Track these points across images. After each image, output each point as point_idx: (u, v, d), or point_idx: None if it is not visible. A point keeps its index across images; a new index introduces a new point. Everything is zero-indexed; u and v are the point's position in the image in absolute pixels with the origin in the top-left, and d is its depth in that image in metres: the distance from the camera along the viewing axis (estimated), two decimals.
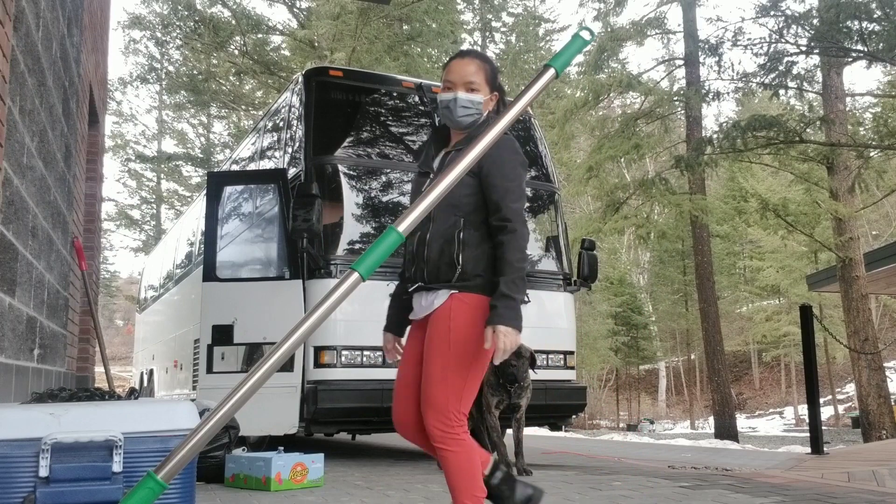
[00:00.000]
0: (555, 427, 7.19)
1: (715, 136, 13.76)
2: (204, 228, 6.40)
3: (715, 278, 19.57)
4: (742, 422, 26.93)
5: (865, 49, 11.53)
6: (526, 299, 6.73)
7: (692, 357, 38.25)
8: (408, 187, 5.73)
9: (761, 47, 12.95)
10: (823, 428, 7.40)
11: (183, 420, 2.23)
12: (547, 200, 6.94)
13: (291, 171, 6.09)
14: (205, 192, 6.76)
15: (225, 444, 4.35)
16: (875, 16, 11.01)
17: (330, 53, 16.70)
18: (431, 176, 2.36)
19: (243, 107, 24.08)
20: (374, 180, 6.10)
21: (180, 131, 32.27)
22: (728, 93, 15.29)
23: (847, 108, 16.18)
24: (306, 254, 5.47)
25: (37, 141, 3.51)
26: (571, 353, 6.47)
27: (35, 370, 3.71)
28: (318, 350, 5.47)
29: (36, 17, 3.40)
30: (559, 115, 18.44)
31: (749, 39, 13.19)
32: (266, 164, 7.05)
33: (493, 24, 27.02)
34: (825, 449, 7.05)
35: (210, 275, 5.87)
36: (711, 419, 21.27)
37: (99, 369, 7.40)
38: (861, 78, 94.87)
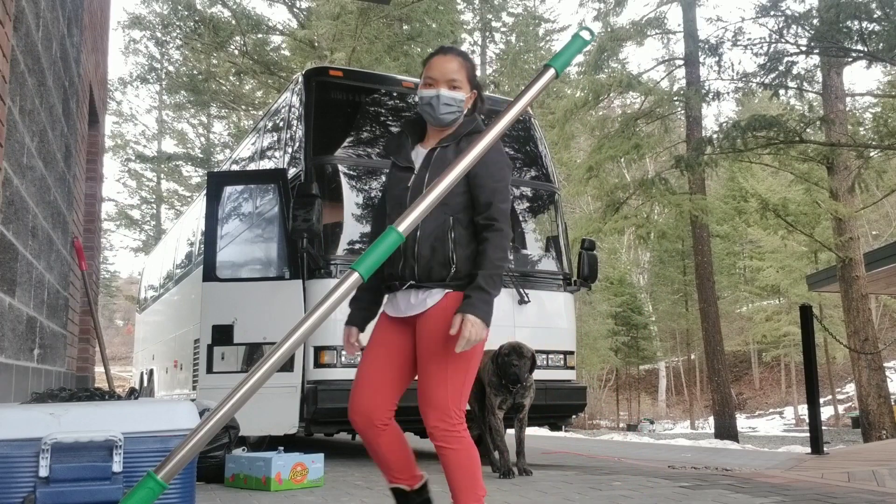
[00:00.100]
0: (555, 427, 7.19)
1: (715, 136, 13.75)
2: (204, 228, 6.40)
3: (715, 278, 19.57)
4: (742, 422, 26.93)
5: (865, 49, 11.53)
6: (526, 299, 6.70)
7: (692, 357, 38.25)
8: None
9: (761, 47, 12.95)
10: (823, 428, 7.40)
11: (183, 420, 2.23)
12: (547, 200, 6.94)
13: (291, 171, 6.09)
14: (205, 192, 6.76)
15: (225, 444, 4.35)
16: (875, 16, 11.01)
17: (330, 53, 16.70)
18: (415, 171, 2.34)
19: (243, 107, 24.09)
20: (374, 180, 6.10)
21: (180, 131, 32.28)
22: (728, 93, 15.31)
23: (847, 108, 16.17)
24: (306, 254, 5.47)
25: (37, 141, 3.51)
26: (571, 353, 6.47)
27: (35, 370, 3.71)
28: (318, 350, 5.47)
29: (36, 17, 3.40)
30: (559, 115, 18.44)
31: (749, 39, 13.20)
32: (266, 164, 7.05)
33: (493, 24, 27.03)
34: (825, 449, 7.05)
35: (210, 275, 5.87)
36: (711, 419, 21.27)
37: (99, 369, 7.40)
38: (861, 78, 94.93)
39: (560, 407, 6.35)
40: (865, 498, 3.59)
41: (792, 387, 33.77)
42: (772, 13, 12.87)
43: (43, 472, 2.02)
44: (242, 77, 22.59)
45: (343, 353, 5.46)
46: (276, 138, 7.00)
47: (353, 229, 5.88)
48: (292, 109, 6.43)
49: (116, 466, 2.08)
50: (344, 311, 2.34)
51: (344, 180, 5.94)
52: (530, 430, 5.67)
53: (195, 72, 24.03)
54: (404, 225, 1.87)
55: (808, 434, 7.28)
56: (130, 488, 1.77)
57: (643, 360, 39.01)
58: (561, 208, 7.05)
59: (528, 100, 1.93)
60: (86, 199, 6.14)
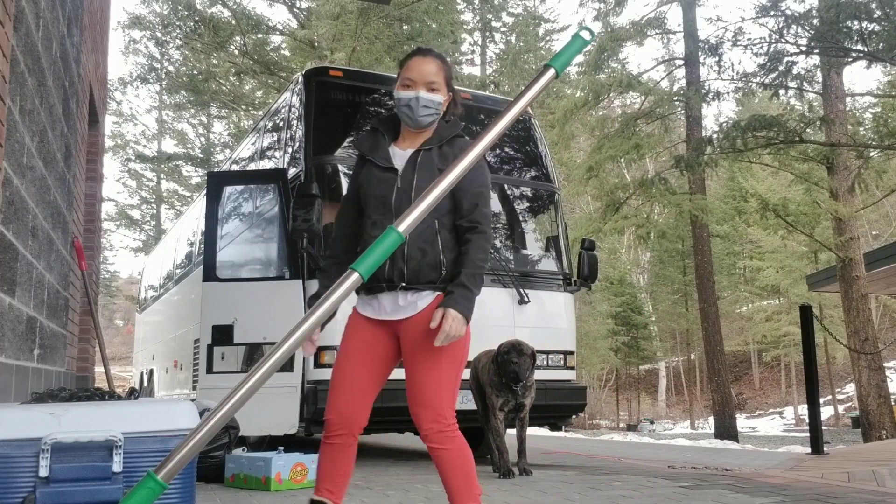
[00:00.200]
0: (555, 427, 7.19)
1: (715, 136, 13.75)
2: (204, 228, 6.40)
3: (715, 278, 19.57)
4: (742, 422, 26.93)
5: (865, 49, 11.53)
6: (526, 299, 6.70)
7: (692, 357, 38.25)
8: None
9: (761, 47, 12.95)
10: (823, 428, 7.40)
11: (183, 420, 2.23)
12: (547, 200, 6.94)
13: (291, 171, 6.09)
14: (205, 192, 6.76)
15: (225, 444, 4.35)
16: (875, 16, 11.01)
17: (330, 53, 16.69)
18: (400, 173, 2.32)
19: (243, 107, 24.08)
20: None
21: (180, 131, 32.28)
22: (728, 93, 15.30)
23: (847, 108, 16.17)
24: (306, 254, 5.47)
25: (37, 141, 3.51)
26: (571, 353, 6.47)
27: (35, 370, 3.71)
28: (319, 350, 5.47)
29: (36, 17, 3.40)
30: (559, 115, 18.43)
31: (749, 39, 13.19)
32: (266, 164, 7.05)
33: (493, 24, 27.02)
34: (825, 449, 7.05)
35: (210, 275, 5.87)
36: (711, 419, 21.27)
37: (99, 369, 7.40)
38: (861, 78, 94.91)
39: (560, 407, 6.35)
40: (865, 498, 3.59)
41: (792, 387, 33.78)
42: (772, 13, 12.87)
43: (43, 472, 2.02)
44: (242, 77, 22.59)
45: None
46: (276, 138, 7.00)
47: None
48: (292, 109, 6.43)
49: (116, 466, 2.08)
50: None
51: (344, 180, 5.93)
52: (530, 430, 5.66)
53: (195, 72, 24.03)
54: (404, 225, 1.87)
55: (808, 434, 7.28)
56: (130, 488, 1.77)
57: (643, 360, 39.01)
58: (561, 208, 7.05)
59: (528, 100, 1.92)
60: (86, 199, 6.15)
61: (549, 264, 6.68)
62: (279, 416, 5.37)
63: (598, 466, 5.98)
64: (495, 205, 6.62)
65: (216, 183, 6.42)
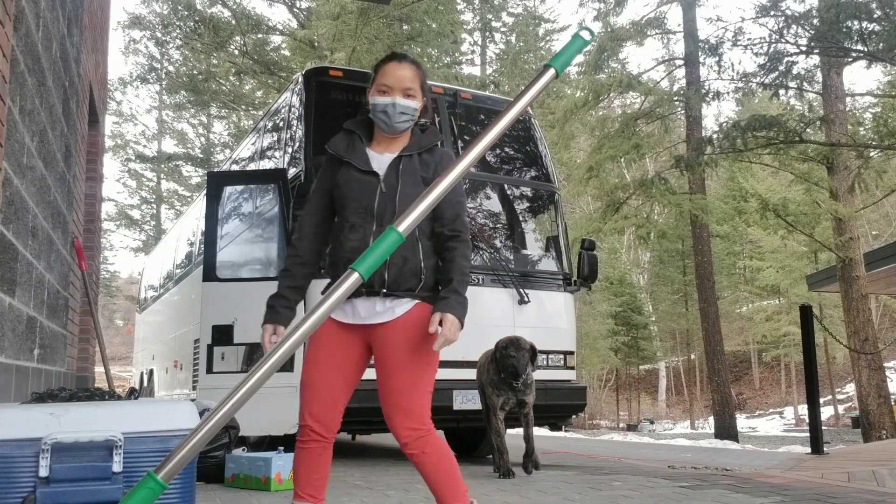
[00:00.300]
0: (555, 427, 7.19)
1: (715, 136, 13.75)
2: (204, 228, 6.39)
3: (715, 278, 19.57)
4: (742, 422, 26.93)
5: (865, 49, 11.53)
6: (526, 299, 6.70)
7: (692, 357, 38.26)
8: None
9: (761, 47, 12.95)
10: (823, 428, 7.40)
11: (183, 420, 2.23)
12: (547, 200, 6.94)
13: (291, 171, 6.09)
14: (205, 192, 6.75)
15: (225, 444, 4.35)
16: (875, 16, 11.01)
17: (330, 53, 16.69)
18: (382, 178, 2.30)
19: (243, 107, 24.07)
20: None
21: (180, 131, 32.28)
22: (728, 93, 15.31)
23: (847, 108, 16.17)
24: None
25: (37, 141, 3.51)
26: (571, 353, 6.46)
27: (35, 370, 3.71)
28: None
29: (36, 17, 3.40)
30: (559, 115, 18.43)
31: (749, 39, 13.20)
32: (266, 164, 7.05)
33: (493, 24, 27.01)
34: (825, 449, 7.05)
35: (210, 275, 5.87)
36: (711, 419, 21.27)
37: (99, 369, 7.40)
38: (861, 78, 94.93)
39: (560, 407, 6.35)
40: (865, 498, 3.59)
41: (792, 387, 33.78)
42: (772, 13, 12.87)
43: (43, 472, 2.02)
44: (242, 77, 22.58)
45: None
46: (276, 138, 7.00)
47: None
48: (292, 109, 6.43)
49: (116, 466, 2.08)
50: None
51: None
52: None
53: (195, 72, 24.02)
54: (404, 225, 1.87)
55: (808, 434, 7.28)
56: (130, 488, 1.77)
57: (643, 360, 39.01)
58: (561, 208, 7.05)
59: (528, 100, 1.92)
60: (86, 199, 6.15)
61: (549, 264, 6.68)
62: (279, 416, 5.37)
63: (598, 466, 5.98)
64: (496, 205, 6.63)
65: (216, 183, 6.42)
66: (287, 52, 21.56)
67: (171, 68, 26.34)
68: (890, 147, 13.23)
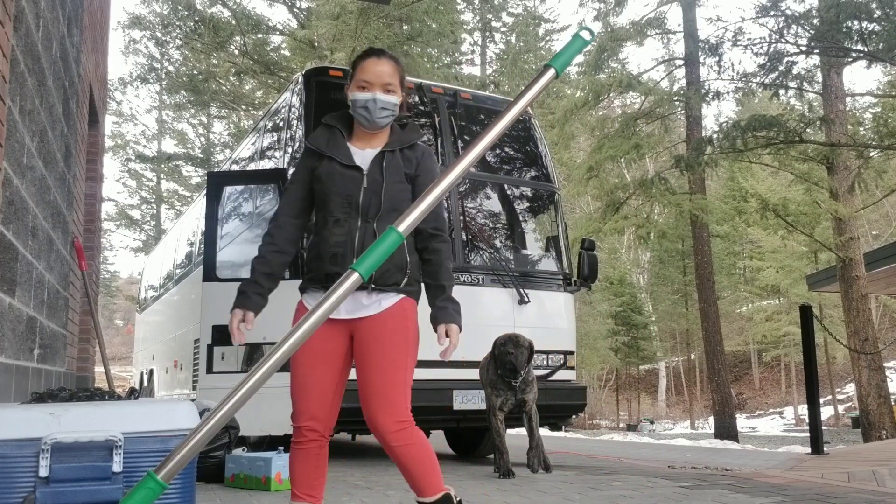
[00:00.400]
0: (555, 427, 7.19)
1: (715, 136, 13.75)
2: (204, 228, 6.39)
3: (715, 278, 19.57)
4: (742, 422, 26.93)
5: (865, 49, 11.53)
6: (526, 299, 6.69)
7: (692, 357, 38.26)
8: None
9: (761, 47, 12.95)
10: (823, 428, 7.40)
11: (183, 420, 2.23)
12: (547, 200, 6.94)
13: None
14: (205, 192, 6.75)
15: (225, 444, 4.35)
16: (875, 16, 11.01)
17: (330, 53, 16.68)
18: (366, 173, 2.31)
19: (243, 107, 24.07)
20: None
21: (180, 131, 32.29)
22: (728, 93, 15.30)
23: (847, 108, 16.18)
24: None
25: (37, 141, 3.51)
26: (571, 353, 6.46)
27: (35, 370, 3.71)
28: None
29: (36, 17, 3.40)
30: (559, 115, 18.44)
31: (749, 39, 13.20)
32: (266, 164, 7.05)
33: (493, 24, 27.01)
34: (825, 449, 7.05)
35: (210, 275, 5.87)
36: (711, 419, 21.27)
37: (99, 369, 7.40)
38: (861, 78, 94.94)
39: (560, 407, 6.34)
40: (865, 498, 3.59)
41: (792, 387, 33.78)
42: (772, 13, 12.87)
43: (43, 472, 2.02)
44: (242, 77, 22.57)
45: None
46: (276, 138, 7.00)
47: None
48: (292, 109, 6.42)
49: (116, 466, 2.08)
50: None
51: None
52: None
53: (195, 72, 24.02)
54: (404, 225, 1.87)
55: (808, 434, 7.28)
56: (130, 488, 1.77)
57: (643, 360, 39.01)
58: (561, 208, 7.05)
59: (528, 100, 1.92)
60: (86, 199, 6.15)
61: (549, 264, 6.67)
62: (279, 416, 5.35)
63: (598, 466, 5.98)
64: (496, 205, 6.63)
65: (216, 183, 6.42)
66: (287, 52, 21.56)
67: (171, 68, 26.35)
68: (890, 147, 13.23)
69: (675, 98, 18.40)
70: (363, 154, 2.36)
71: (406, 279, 2.29)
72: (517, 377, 4.80)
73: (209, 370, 5.63)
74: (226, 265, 6.36)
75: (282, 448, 4.22)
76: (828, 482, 4.31)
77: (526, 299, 6.07)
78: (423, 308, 2.37)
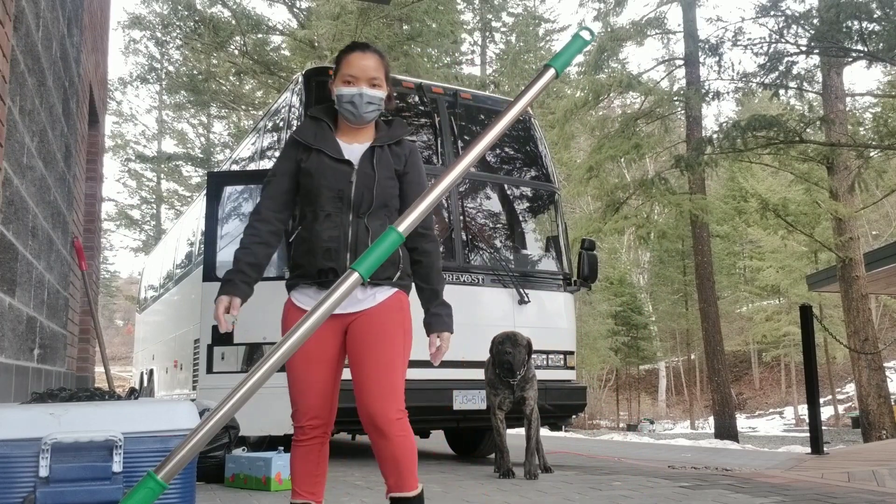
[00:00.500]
0: (555, 427, 7.19)
1: (715, 136, 13.75)
2: (204, 228, 6.39)
3: (715, 278, 19.57)
4: (742, 422, 26.93)
5: (865, 49, 11.53)
6: (526, 299, 6.68)
7: (692, 357, 38.25)
8: None
9: (761, 47, 12.95)
10: (823, 428, 7.40)
11: (183, 420, 2.23)
12: (547, 200, 6.94)
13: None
14: (205, 192, 6.75)
15: (225, 444, 4.35)
16: (875, 16, 11.01)
17: (330, 53, 16.67)
18: (356, 167, 2.30)
19: (243, 107, 24.07)
20: None
21: (180, 131, 32.30)
22: (728, 93, 15.30)
23: (847, 108, 16.18)
24: None
25: (37, 141, 3.51)
26: (571, 353, 6.46)
27: (35, 370, 3.71)
28: None
29: (36, 17, 3.40)
30: (559, 115, 18.43)
31: (749, 39, 13.19)
32: (266, 164, 7.04)
33: (493, 24, 27.01)
34: (825, 449, 7.05)
35: (210, 275, 5.87)
36: (711, 419, 21.27)
37: (99, 369, 7.40)
38: (861, 78, 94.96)
39: (560, 407, 6.34)
40: (865, 498, 3.59)
41: (792, 387, 33.78)
42: (772, 13, 12.87)
43: (43, 472, 2.02)
44: (242, 77, 22.58)
45: None
46: (276, 138, 7.00)
47: None
48: (292, 109, 6.42)
49: (116, 466, 2.07)
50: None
51: None
52: None
53: (195, 72, 24.02)
54: (404, 225, 1.87)
55: (808, 434, 7.27)
56: (130, 488, 1.77)
57: (643, 360, 39.01)
58: (561, 208, 7.05)
59: (528, 100, 1.92)
60: (86, 199, 6.15)
61: (549, 264, 6.67)
62: (279, 416, 5.35)
63: (598, 466, 5.98)
64: (496, 205, 6.62)
65: (216, 183, 6.42)
66: (287, 52, 21.56)
67: (171, 68, 26.36)
68: (890, 147, 13.23)
69: (675, 98, 18.40)
70: (351, 148, 2.35)
71: (399, 273, 2.31)
72: (515, 376, 4.77)
73: (209, 370, 5.63)
74: (226, 265, 6.31)
75: (282, 448, 4.21)
76: (828, 482, 4.31)
77: (526, 299, 6.07)
78: (417, 309, 2.37)
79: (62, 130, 4.30)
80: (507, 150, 6.97)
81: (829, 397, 29.33)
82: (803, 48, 12.87)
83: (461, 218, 6.17)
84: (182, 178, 30.47)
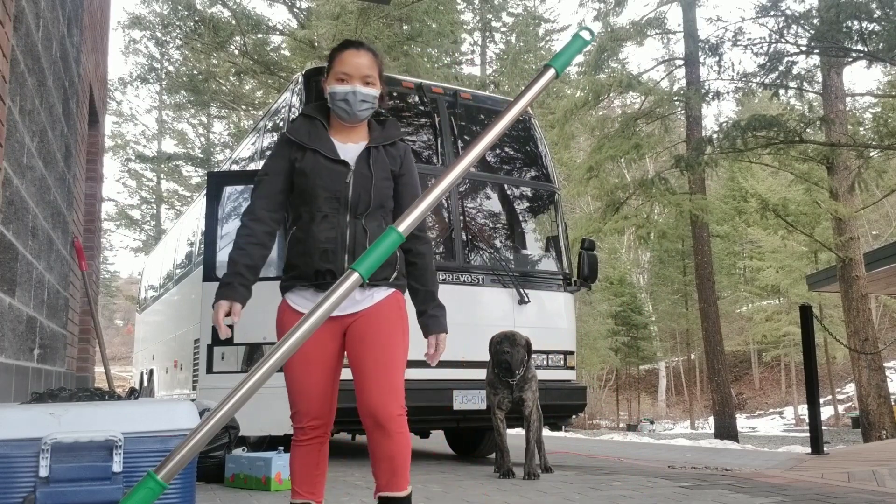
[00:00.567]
0: (555, 427, 7.19)
1: (715, 136, 13.75)
2: (204, 228, 6.39)
3: (715, 278, 19.57)
4: (742, 422, 26.93)
5: (865, 49, 11.53)
6: (526, 299, 6.68)
7: (692, 357, 38.25)
8: None
9: (761, 47, 12.94)
10: (823, 428, 7.40)
11: (183, 420, 2.23)
12: (547, 200, 6.94)
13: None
14: (205, 192, 6.75)
15: (225, 444, 4.35)
16: (875, 16, 11.01)
17: None
18: (353, 168, 2.29)
19: (243, 107, 24.07)
20: None
21: (180, 131, 32.30)
22: (728, 93, 15.30)
23: (847, 108, 16.18)
24: None
25: (37, 141, 3.51)
26: (571, 353, 6.46)
27: (35, 370, 3.71)
28: None
29: (36, 17, 3.40)
30: (559, 115, 18.43)
31: (749, 39, 13.19)
32: None
33: (493, 24, 27.00)
34: (825, 449, 7.05)
35: (210, 275, 5.86)
36: (711, 419, 21.27)
37: (99, 369, 7.40)
38: (861, 78, 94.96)
39: (560, 407, 6.34)
40: (865, 498, 3.59)
41: (792, 387, 33.78)
42: (772, 13, 12.87)
43: (43, 472, 2.02)
44: (242, 77, 22.57)
45: None
46: (276, 138, 6.99)
47: None
48: (292, 109, 6.42)
49: (116, 466, 2.07)
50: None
51: None
52: None
53: (195, 72, 24.02)
54: (404, 225, 1.86)
55: (808, 434, 7.27)
56: (130, 488, 1.77)
57: (643, 360, 39.01)
58: (561, 208, 7.05)
59: (528, 100, 1.92)
60: (86, 199, 6.15)
61: (549, 264, 6.67)
62: (279, 416, 5.35)
63: (598, 466, 5.98)
64: (496, 205, 6.62)
65: (216, 183, 6.42)
66: (287, 52, 21.56)
67: (171, 68, 26.36)
68: (890, 147, 13.23)
69: (675, 98, 18.40)
70: (346, 148, 2.34)
71: (395, 273, 2.32)
72: (513, 376, 4.75)
73: (209, 370, 5.63)
74: (226, 265, 6.35)
75: (282, 448, 4.22)
76: (828, 482, 4.31)
77: (526, 299, 6.07)
78: (411, 309, 2.39)
79: (62, 130, 4.30)
80: (507, 150, 6.97)
81: (829, 397, 29.33)
82: (803, 48, 12.87)
83: (461, 218, 6.17)
84: (182, 178, 30.47)
